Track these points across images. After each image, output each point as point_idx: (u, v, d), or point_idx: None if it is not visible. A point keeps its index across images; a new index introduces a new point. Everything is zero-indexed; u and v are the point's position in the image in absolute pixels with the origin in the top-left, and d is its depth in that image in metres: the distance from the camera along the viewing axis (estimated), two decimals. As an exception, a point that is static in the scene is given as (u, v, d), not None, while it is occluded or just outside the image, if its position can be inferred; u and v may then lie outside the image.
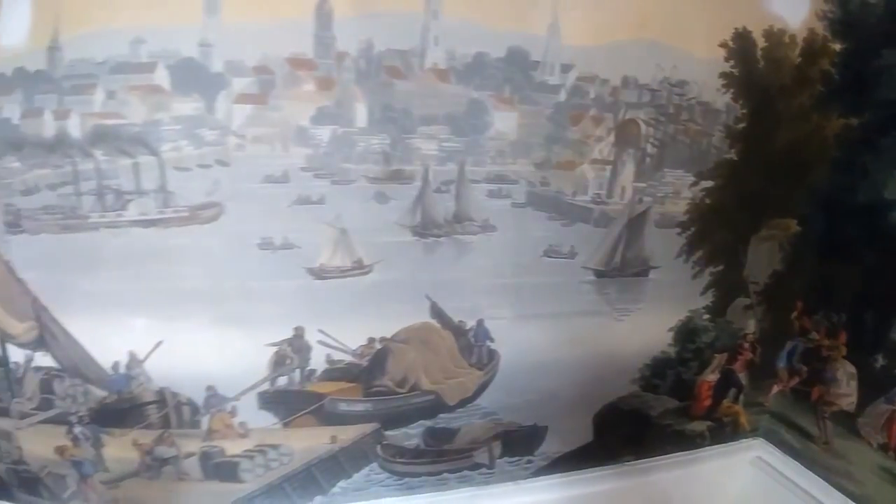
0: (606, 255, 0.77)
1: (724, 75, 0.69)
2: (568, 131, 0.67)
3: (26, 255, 0.60)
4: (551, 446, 0.76)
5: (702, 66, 0.68)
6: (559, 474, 0.75)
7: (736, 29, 0.68)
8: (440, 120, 0.62)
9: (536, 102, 0.64)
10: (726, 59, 0.69)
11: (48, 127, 0.57)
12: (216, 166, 0.59)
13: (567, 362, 0.75)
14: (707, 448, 0.87)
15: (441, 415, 0.72)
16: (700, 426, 0.90)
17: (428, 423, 0.72)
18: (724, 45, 0.69)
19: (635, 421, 0.83)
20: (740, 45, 0.70)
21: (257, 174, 0.60)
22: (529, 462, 0.75)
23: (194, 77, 0.57)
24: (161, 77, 0.56)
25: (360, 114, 0.60)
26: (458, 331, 0.71)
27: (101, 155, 0.58)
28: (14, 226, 0.59)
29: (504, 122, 0.64)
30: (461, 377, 0.73)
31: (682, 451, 0.82)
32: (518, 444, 0.76)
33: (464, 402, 0.72)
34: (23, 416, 0.69)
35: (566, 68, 0.64)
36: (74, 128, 0.57)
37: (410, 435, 0.71)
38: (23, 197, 0.59)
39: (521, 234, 0.68)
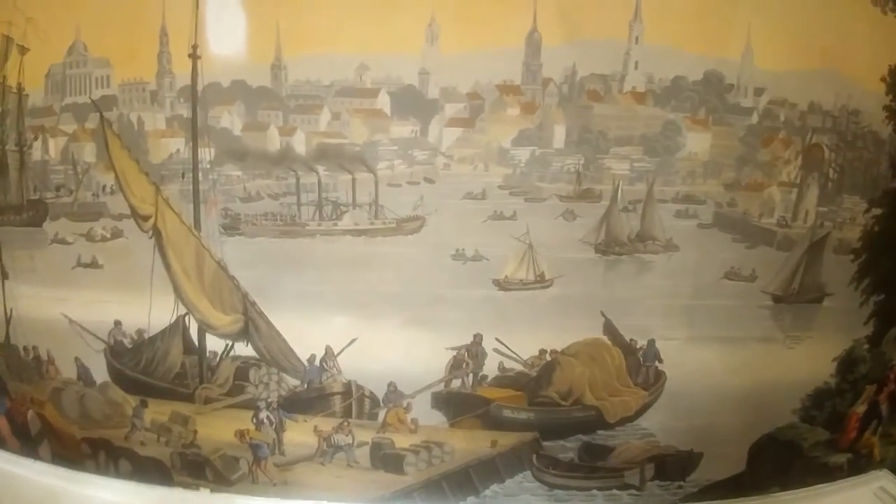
0: (786, 279, 0.87)
1: (885, 108, 0.77)
2: (758, 153, 0.77)
3: (240, 255, 0.81)
4: (703, 473, 0.88)
5: (870, 97, 0.76)
6: (706, 502, 0.88)
7: (889, 65, 0.74)
8: (634, 141, 0.75)
9: (729, 124, 0.75)
10: (886, 94, 0.76)
11: (273, 141, 0.76)
12: (423, 183, 0.76)
13: (734, 388, 0.88)
14: (842, 480, 0.96)
15: (599, 431, 0.87)
16: (841, 458, 0.97)
17: (585, 438, 0.87)
18: (883, 79, 0.75)
19: (788, 452, 0.93)
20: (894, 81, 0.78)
21: (459, 191, 0.76)
22: (680, 487, 0.87)
23: (412, 102, 0.73)
24: (383, 102, 0.72)
25: (559, 135, 0.74)
26: (627, 349, 0.86)
27: (323, 170, 0.76)
28: (232, 229, 0.80)
29: (697, 142, 0.75)
30: (625, 395, 0.87)
31: (822, 482, 0.92)
32: (671, 469, 0.88)
33: (624, 421, 0.87)
34: (208, 401, 0.93)
35: (758, 91, 0.74)
36: (299, 144, 0.76)
37: (567, 448, 0.87)
38: (243, 203, 0.79)
39: (703, 254, 0.80)
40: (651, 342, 0.81)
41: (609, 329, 0.81)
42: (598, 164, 0.73)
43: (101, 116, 0.78)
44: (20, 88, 0.86)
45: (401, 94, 0.70)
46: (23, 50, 0.86)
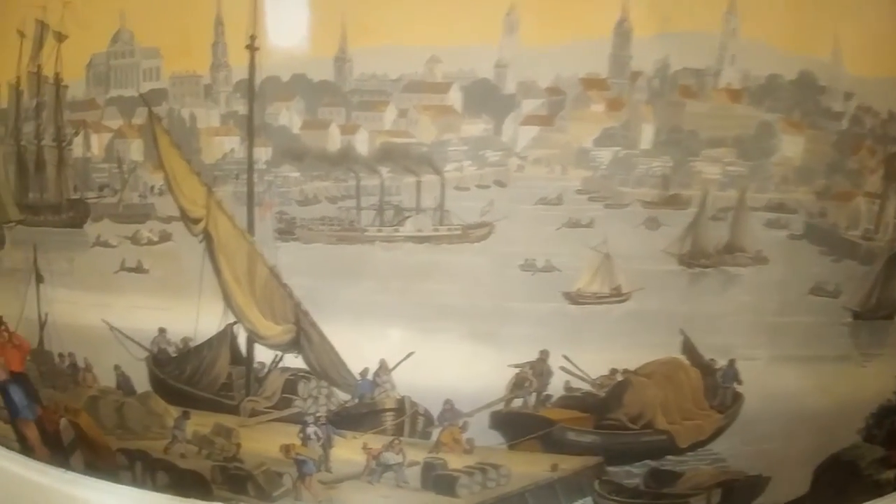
0: (866, 295, 0.84)
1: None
2: (848, 160, 0.72)
3: (294, 262, 0.76)
4: (769, 497, 0.83)
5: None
6: None
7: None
8: (728, 142, 0.69)
9: (822, 128, 0.70)
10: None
11: (333, 140, 0.71)
12: (494, 187, 0.70)
13: (807, 409, 0.82)
14: (888, 496, 0.93)
15: (669, 457, 0.81)
16: (890, 473, 0.94)
17: (653, 463, 0.82)
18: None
19: (847, 472, 0.91)
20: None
21: (532, 196, 0.70)
22: None
23: (486, 98, 0.67)
24: (454, 97, 0.67)
25: (646, 135, 0.68)
26: (706, 370, 0.80)
27: (386, 172, 0.71)
28: (286, 233, 0.75)
29: (791, 146, 0.70)
30: (699, 419, 0.82)
31: (870, 499, 0.88)
32: (738, 494, 0.84)
33: (695, 446, 0.81)
34: (253, 413, 0.88)
35: (848, 96, 0.69)
36: (362, 143, 0.70)
37: (633, 474, 0.82)
38: (299, 206, 0.74)
39: (791, 268, 0.74)
40: (731, 362, 0.76)
41: (688, 348, 0.76)
42: (687, 167, 0.67)
43: (150, 111, 0.73)
44: (58, 79, 0.82)
45: (474, 88, 0.65)
46: (60, 37, 0.81)
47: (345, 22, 0.67)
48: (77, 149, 0.84)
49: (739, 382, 0.79)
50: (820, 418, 0.83)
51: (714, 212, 0.72)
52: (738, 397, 0.80)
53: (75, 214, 0.87)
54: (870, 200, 0.77)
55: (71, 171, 0.86)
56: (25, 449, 1.03)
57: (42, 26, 0.86)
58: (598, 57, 0.67)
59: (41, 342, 0.97)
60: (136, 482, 1.01)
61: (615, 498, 0.82)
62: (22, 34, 0.88)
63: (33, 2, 0.83)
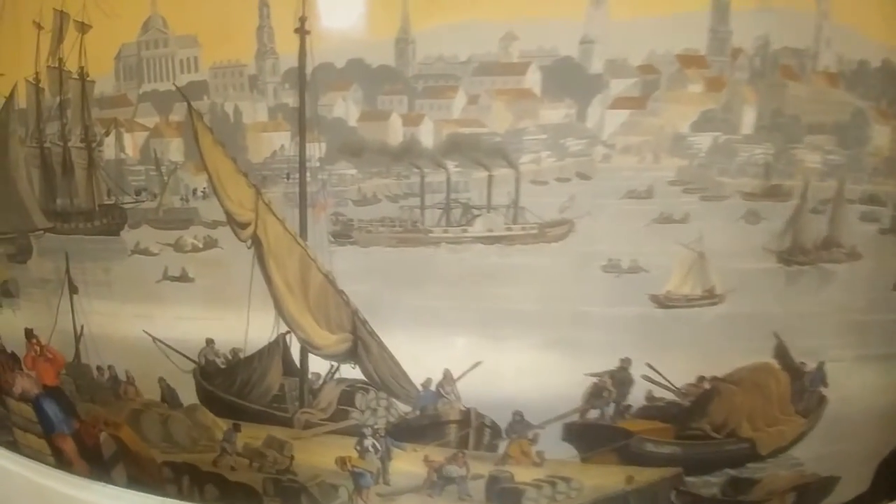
0: None
1: None
2: None
3: (350, 267, 0.70)
4: (837, 497, 0.78)
5: None
6: None
7: None
8: (828, 129, 0.62)
9: None
10: None
11: (395, 133, 0.63)
12: (576, 180, 0.62)
13: (881, 407, 0.78)
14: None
15: (749, 464, 0.75)
16: None
17: (733, 472, 0.76)
18: None
19: None
20: None
21: (619, 189, 0.63)
22: None
23: (569, 79, 0.59)
24: (532, 80, 0.59)
25: (748, 119, 0.61)
26: (796, 374, 0.74)
27: (454, 166, 0.63)
28: (342, 237, 0.68)
29: (881, 136, 0.63)
30: (782, 425, 0.77)
31: None
32: (810, 496, 0.80)
33: (776, 452, 0.76)
34: (308, 425, 0.84)
35: None
36: (426, 135, 0.62)
37: (711, 483, 0.76)
38: (356, 207, 0.67)
39: (879, 263, 0.69)
40: (820, 365, 0.70)
41: (781, 352, 0.70)
42: (789, 154, 0.60)
43: (189, 107, 0.66)
44: (83, 73, 0.75)
45: (556, 68, 0.57)
46: (83, 27, 0.74)
47: None
48: (109, 150, 0.77)
49: (826, 385, 0.73)
50: (889, 415, 0.78)
51: (814, 204, 0.64)
52: (822, 400, 0.74)
53: (110, 221, 0.81)
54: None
55: (103, 174, 0.79)
56: (62, 463, 0.99)
57: (61, 16, 0.77)
58: (697, 31, 0.58)
59: (77, 355, 0.92)
60: (182, 495, 0.99)
61: (694, 509, 0.88)
62: (39, 26, 0.81)
63: (49, -12, 0.82)
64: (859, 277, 0.70)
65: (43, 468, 1.04)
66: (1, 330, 0.97)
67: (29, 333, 0.92)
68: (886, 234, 0.70)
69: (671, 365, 0.71)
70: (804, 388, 0.77)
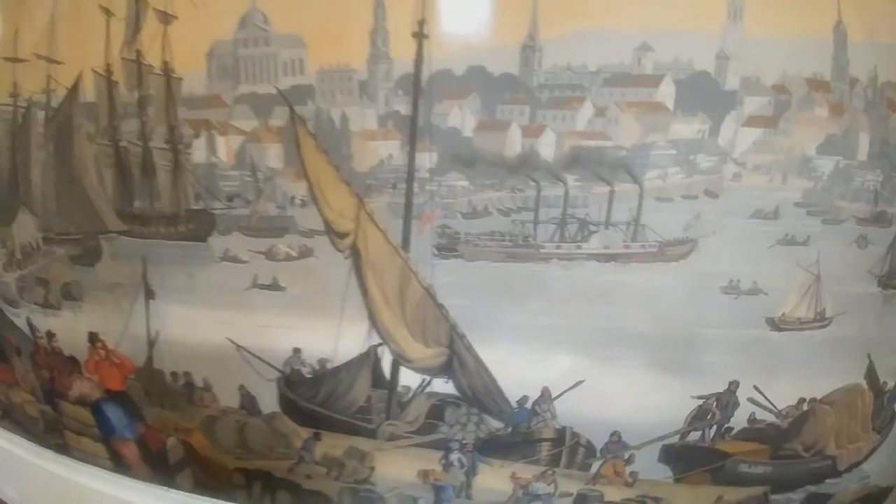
0: None
1: None
2: None
3: (453, 280, 0.68)
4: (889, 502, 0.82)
5: None
6: None
7: None
8: None
9: None
10: None
11: (513, 144, 0.60)
12: (703, 197, 0.60)
13: None
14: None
15: (828, 480, 0.75)
16: None
17: (812, 488, 0.76)
18: None
19: None
20: None
21: (746, 208, 0.61)
22: None
23: (704, 94, 0.57)
24: (665, 93, 0.57)
25: (863, 146, 0.59)
26: (878, 393, 0.74)
27: (573, 180, 0.61)
28: (448, 250, 0.66)
29: None
30: (861, 441, 0.77)
31: None
32: None
33: (851, 467, 0.76)
34: (392, 437, 0.82)
35: None
36: (547, 147, 0.60)
37: (792, 500, 0.76)
38: (465, 219, 0.65)
39: None
40: None
41: (870, 374, 0.70)
42: (893, 182, 0.60)
43: (292, 112, 0.62)
44: (167, 69, 0.70)
45: (690, 82, 0.55)
46: (166, 18, 0.69)
47: (536, 3, 0.56)
48: (198, 153, 0.72)
49: None
50: None
51: None
52: (893, 416, 0.75)
53: (197, 227, 0.76)
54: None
55: (191, 178, 0.74)
56: (120, 466, 0.96)
57: (138, 3, 0.71)
58: (822, 57, 0.57)
59: (150, 360, 0.90)
60: (252, 501, 0.98)
61: (774, 524, 0.88)
62: (108, 12, 0.75)
63: (119, -30, 0.76)
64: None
65: (96, 471, 1.04)
66: (60, 333, 0.94)
67: (93, 337, 0.89)
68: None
69: (776, 388, 0.70)
70: (882, 406, 0.78)
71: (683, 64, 0.57)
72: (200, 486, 1.00)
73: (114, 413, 1.07)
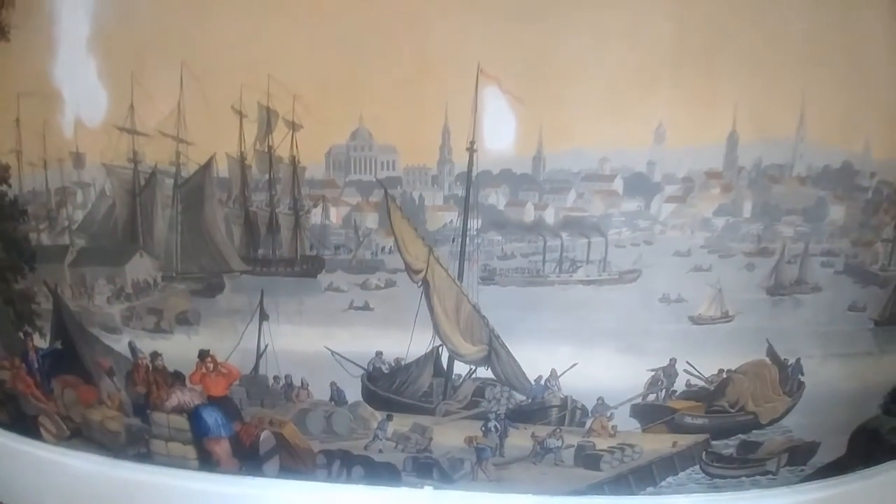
0: (883, 308, 1.25)
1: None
2: (871, 219, 1.15)
3: (492, 300, 1.13)
4: (819, 458, 1.23)
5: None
6: (819, 480, 1.23)
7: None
8: (798, 212, 1.11)
9: (855, 199, 1.12)
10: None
11: (529, 214, 1.09)
12: (643, 245, 1.09)
13: (845, 391, 1.23)
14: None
15: (754, 431, 1.21)
16: None
17: (743, 436, 1.20)
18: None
19: (871, 438, 1.30)
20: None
21: (669, 250, 1.09)
22: (801, 470, 1.22)
23: (640, 185, 1.06)
24: (617, 185, 1.06)
25: (746, 208, 1.09)
26: (782, 366, 1.20)
27: (566, 236, 1.08)
28: (488, 280, 1.12)
29: (836, 213, 1.12)
30: (775, 402, 1.21)
31: (890, 459, 1.27)
32: (799, 456, 1.23)
33: (772, 422, 1.22)
34: (447, 413, 1.19)
35: (872, 175, 1.12)
36: (550, 216, 1.08)
37: (729, 445, 1.20)
38: (499, 260, 1.12)
39: (836, 293, 1.17)
40: (798, 360, 1.16)
41: (771, 352, 1.14)
42: (773, 229, 1.06)
43: (386, 193, 1.04)
44: (294, 161, 1.08)
45: (632, 178, 1.01)
46: (294, 126, 1.05)
47: (543, 131, 1.05)
48: (315, 217, 1.14)
49: (803, 374, 1.19)
50: (852, 397, 1.23)
51: (789, 258, 1.13)
52: (801, 385, 1.20)
53: (310, 267, 1.15)
54: (886, 244, 1.20)
55: (307, 233, 1.15)
56: (207, 465, 1.26)
57: (269, 112, 1.08)
58: (716, 157, 1.07)
59: (255, 368, 1.22)
60: (330, 478, 1.31)
61: (716, 465, 1.22)
62: (239, 112, 1.08)
63: (250, 84, 1.06)
64: (821, 303, 1.17)
65: (178, 471, 1.33)
66: (168, 352, 1.26)
67: (203, 353, 1.21)
68: (840, 275, 1.18)
69: (701, 362, 1.17)
70: (788, 377, 1.22)
71: (628, 168, 1.06)
72: (285, 470, 1.34)
73: (211, 416, 1.37)
